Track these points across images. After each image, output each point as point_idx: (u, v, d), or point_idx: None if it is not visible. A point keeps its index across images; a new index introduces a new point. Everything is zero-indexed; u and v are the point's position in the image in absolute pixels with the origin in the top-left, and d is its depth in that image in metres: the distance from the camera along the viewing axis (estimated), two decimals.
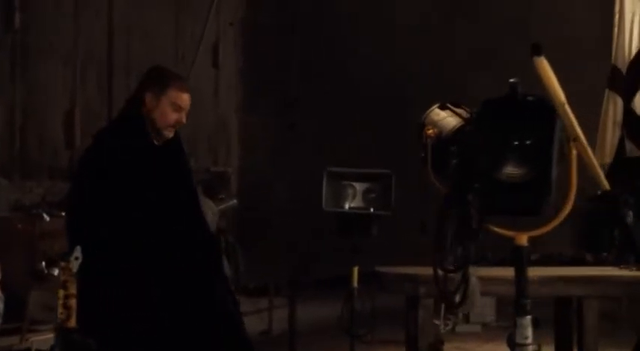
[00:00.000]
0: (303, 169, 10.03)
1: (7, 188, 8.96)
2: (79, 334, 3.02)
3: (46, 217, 8.07)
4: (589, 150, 3.35)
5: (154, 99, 4.21)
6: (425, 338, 5.23)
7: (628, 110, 7.54)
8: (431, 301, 5.11)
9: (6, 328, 6.97)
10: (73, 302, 2.86)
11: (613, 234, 7.37)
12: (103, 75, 10.35)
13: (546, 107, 3.09)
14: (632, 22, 7.44)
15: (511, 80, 3.16)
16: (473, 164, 3.09)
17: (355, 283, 6.29)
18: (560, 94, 3.21)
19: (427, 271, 3.35)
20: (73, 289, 2.85)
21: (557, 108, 3.20)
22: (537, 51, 3.17)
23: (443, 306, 4.89)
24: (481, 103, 3.15)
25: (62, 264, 2.86)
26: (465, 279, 3.10)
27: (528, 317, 3.20)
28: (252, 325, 7.09)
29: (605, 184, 3.55)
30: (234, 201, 8.16)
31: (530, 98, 3.16)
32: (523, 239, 3.23)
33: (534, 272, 5.37)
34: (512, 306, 3.21)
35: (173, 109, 4.23)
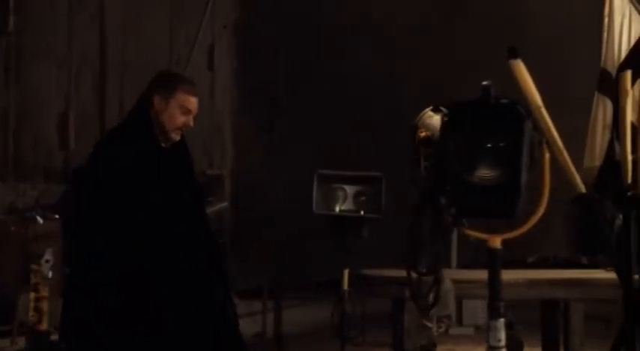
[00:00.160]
0: (297, 171, 10.01)
1: (0, 190, 8.97)
2: (49, 336, 3.03)
3: (40, 220, 8.07)
4: (564, 153, 3.35)
5: (162, 101, 4.24)
6: (411, 341, 5.24)
7: (617, 113, 7.50)
8: None
9: None
10: (45, 305, 2.88)
11: (605, 236, 7.34)
12: (97, 77, 10.36)
13: (517, 110, 3.10)
14: (622, 25, 7.42)
15: (484, 83, 3.17)
16: (445, 167, 3.10)
17: (346, 286, 6.27)
18: (536, 97, 3.22)
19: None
20: (44, 292, 2.87)
21: (533, 111, 3.21)
22: (513, 54, 3.19)
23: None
24: (450, 105, 3.16)
25: (33, 267, 2.87)
26: (438, 281, 3.10)
27: (502, 320, 3.21)
28: (246, 327, 7.08)
29: (581, 187, 3.55)
30: (225, 203, 8.11)
31: (503, 101, 3.17)
32: (497, 242, 3.24)
33: (521, 275, 5.41)
34: (486, 308, 3.22)
35: (181, 111, 4.26)
